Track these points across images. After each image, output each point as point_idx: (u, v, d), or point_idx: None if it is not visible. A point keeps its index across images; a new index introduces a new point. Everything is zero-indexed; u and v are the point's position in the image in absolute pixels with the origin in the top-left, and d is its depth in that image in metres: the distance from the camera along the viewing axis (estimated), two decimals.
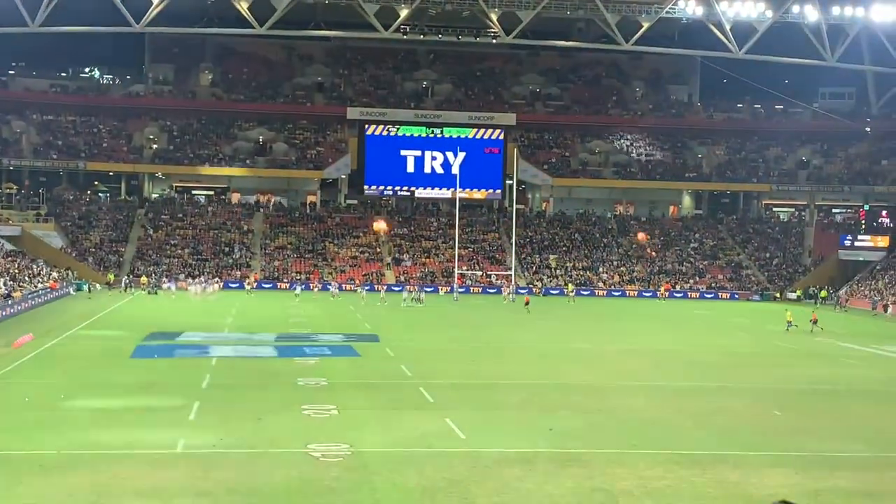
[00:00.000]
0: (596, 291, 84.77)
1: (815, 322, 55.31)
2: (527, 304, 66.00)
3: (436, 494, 20.16)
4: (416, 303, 68.22)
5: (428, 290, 77.69)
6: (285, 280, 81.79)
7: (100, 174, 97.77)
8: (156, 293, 72.67)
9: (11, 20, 74.45)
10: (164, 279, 77.64)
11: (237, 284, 79.16)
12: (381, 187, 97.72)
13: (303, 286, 76.62)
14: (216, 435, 24.71)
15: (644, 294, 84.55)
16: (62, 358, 38.35)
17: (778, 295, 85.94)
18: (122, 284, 75.46)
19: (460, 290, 79.56)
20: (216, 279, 78.43)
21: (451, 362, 39.56)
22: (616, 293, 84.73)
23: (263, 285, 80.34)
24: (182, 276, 79.43)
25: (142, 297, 70.07)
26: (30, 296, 60.72)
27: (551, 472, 22.00)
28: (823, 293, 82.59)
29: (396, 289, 78.17)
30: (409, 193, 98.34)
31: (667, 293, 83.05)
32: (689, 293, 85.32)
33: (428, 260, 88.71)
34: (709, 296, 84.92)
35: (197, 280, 75.88)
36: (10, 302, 55.72)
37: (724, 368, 40.07)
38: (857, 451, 25.12)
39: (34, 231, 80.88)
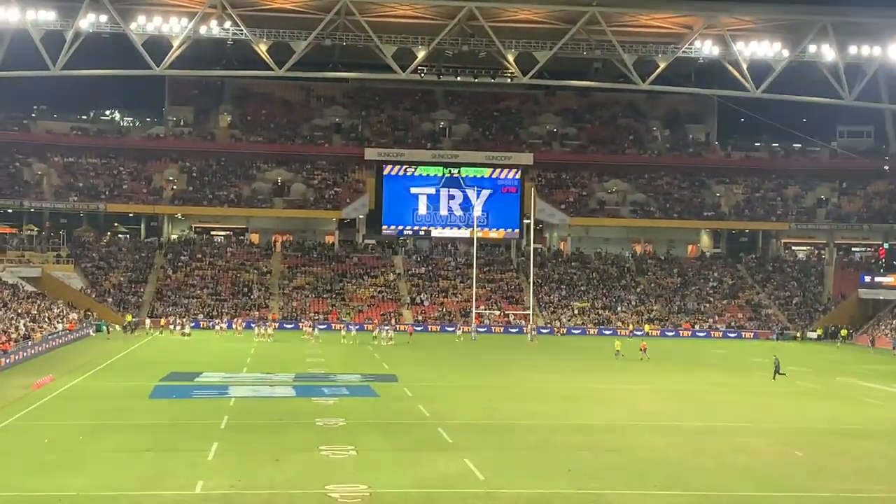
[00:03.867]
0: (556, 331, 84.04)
1: (644, 350, 59.96)
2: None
3: None
4: (387, 341, 67.61)
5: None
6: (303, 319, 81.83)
7: (120, 216, 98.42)
8: (189, 334, 71.47)
9: (33, 64, 75.25)
10: (184, 320, 77.45)
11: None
12: (399, 227, 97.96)
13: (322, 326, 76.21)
14: (234, 476, 24.69)
15: (604, 332, 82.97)
16: (81, 399, 38.44)
17: (798, 335, 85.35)
18: (129, 327, 74.46)
19: (480, 329, 79.65)
20: (273, 321, 78.21)
21: (470, 402, 39.45)
22: (576, 331, 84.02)
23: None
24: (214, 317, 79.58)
25: (159, 339, 70.01)
26: (49, 337, 60.96)
27: None
28: (843, 332, 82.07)
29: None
30: (426, 233, 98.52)
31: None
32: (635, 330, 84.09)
33: (445, 300, 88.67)
34: (700, 334, 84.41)
35: (259, 322, 75.63)
36: (30, 343, 55.94)
37: (744, 408, 39.81)
38: (879, 491, 24.89)
39: (54, 272, 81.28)
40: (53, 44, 74.50)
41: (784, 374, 50.20)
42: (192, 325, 75.96)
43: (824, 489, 24.88)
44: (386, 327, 72.77)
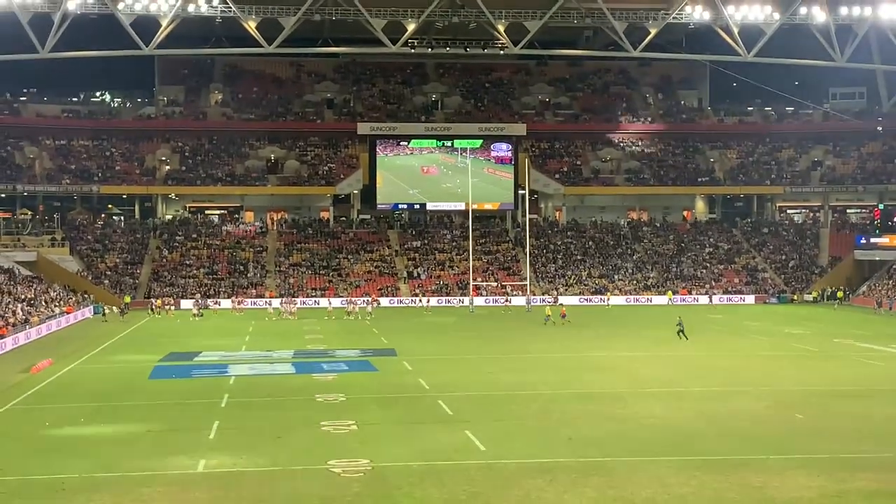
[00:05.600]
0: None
1: (564, 316, 62.45)
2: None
3: None
4: (365, 317, 68.47)
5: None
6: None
7: (113, 197, 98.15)
8: (201, 315, 71.56)
9: (22, 47, 74.91)
10: (201, 300, 77.38)
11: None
12: (394, 201, 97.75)
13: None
14: (237, 454, 24.76)
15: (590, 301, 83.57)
16: (81, 382, 38.48)
17: (795, 297, 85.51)
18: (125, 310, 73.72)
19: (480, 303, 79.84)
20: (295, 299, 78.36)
21: (469, 374, 39.53)
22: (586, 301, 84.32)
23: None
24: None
25: (157, 320, 69.82)
26: (47, 321, 60.97)
27: (572, 481, 21.95)
28: (840, 294, 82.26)
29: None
30: (421, 207, 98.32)
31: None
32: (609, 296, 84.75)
33: (442, 272, 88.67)
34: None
35: (284, 301, 75.73)
36: (28, 327, 55.94)
37: (743, 372, 39.93)
38: (880, 451, 24.98)
39: (50, 256, 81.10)
40: (41, 26, 74.14)
41: (686, 338, 50.88)
42: (203, 306, 75.63)
43: (825, 451, 24.98)
44: (359, 301, 73.79)
